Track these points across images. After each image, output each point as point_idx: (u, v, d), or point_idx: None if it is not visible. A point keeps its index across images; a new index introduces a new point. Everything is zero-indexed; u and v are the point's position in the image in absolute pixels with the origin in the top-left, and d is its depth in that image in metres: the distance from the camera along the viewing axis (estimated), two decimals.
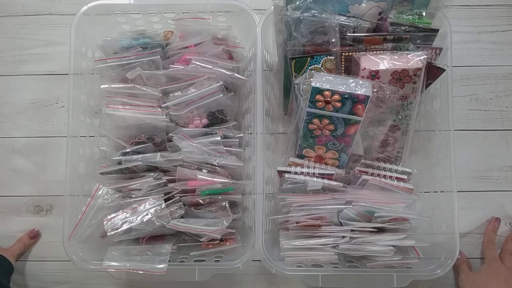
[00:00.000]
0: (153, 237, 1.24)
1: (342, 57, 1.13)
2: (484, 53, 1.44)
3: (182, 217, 1.21)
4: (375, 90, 1.07)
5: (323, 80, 1.06)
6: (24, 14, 1.49)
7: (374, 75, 1.08)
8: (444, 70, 1.12)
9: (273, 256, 1.13)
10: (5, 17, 1.49)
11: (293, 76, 1.15)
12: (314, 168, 1.17)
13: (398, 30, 1.11)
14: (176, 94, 1.25)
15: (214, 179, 1.19)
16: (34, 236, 1.37)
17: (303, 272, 1.14)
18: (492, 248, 1.30)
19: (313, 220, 1.17)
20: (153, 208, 1.18)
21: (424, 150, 1.27)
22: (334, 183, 1.16)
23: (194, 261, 1.19)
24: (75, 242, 1.17)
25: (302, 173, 1.16)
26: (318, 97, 1.06)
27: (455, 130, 1.15)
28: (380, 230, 1.16)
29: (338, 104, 1.06)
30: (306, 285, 1.33)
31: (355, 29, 1.12)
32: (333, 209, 1.15)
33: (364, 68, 1.07)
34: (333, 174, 1.17)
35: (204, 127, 1.26)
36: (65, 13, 1.48)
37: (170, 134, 1.24)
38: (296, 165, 1.19)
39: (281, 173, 1.18)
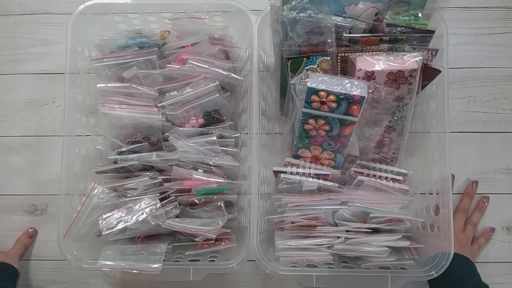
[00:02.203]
0: (148, 236, 1.24)
1: (338, 57, 1.13)
2: (481, 55, 1.44)
3: (177, 216, 1.21)
4: (370, 91, 1.06)
5: (319, 80, 1.06)
6: (22, 13, 1.49)
7: (369, 76, 1.08)
8: (440, 71, 1.12)
9: (268, 256, 1.13)
10: (2, 16, 1.49)
11: (289, 77, 1.15)
12: (309, 168, 1.17)
13: (394, 31, 1.11)
14: (172, 93, 1.25)
15: (209, 179, 1.19)
16: (32, 235, 1.37)
17: (297, 273, 1.14)
18: (461, 217, 1.31)
19: (308, 221, 1.17)
20: (149, 208, 1.18)
21: (420, 152, 1.27)
22: (330, 183, 1.16)
23: (189, 260, 1.19)
24: (70, 241, 1.17)
25: (297, 173, 1.16)
26: (314, 97, 1.06)
27: (452, 132, 1.15)
28: (375, 231, 1.16)
29: (334, 105, 1.06)
30: (301, 285, 1.32)
31: (351, 30, 1.12)
32: (328, 210, 1.15)
33: (360, 69, 1.07)
34: (329, 174, 1.16)
35: (200, 126, 1.26)
36: (62, 12, 1.48)
37: (166, 134, 1.24)
38: (292, 165, 1.19)
39: (276, 173, 1.18)
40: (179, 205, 1.23)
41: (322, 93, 1.04)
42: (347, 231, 1.16)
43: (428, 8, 1.12)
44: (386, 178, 1.16)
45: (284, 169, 1.17)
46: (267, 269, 1.12)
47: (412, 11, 1.12)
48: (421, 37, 1.11)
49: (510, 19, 1.45)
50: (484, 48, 1.45)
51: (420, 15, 1.12)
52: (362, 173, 1.17)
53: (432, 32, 1.12)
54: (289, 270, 1.13)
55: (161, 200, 1.21)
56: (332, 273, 1.14)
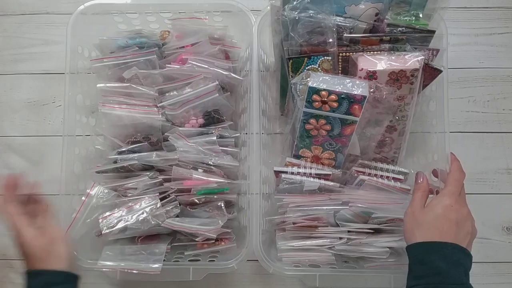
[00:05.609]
0: (148, 236, 1.24)
1: (339, 57, 1.12)
2: (481, 55, 1.44)
3: (177, 216, 1.21)
4: (372, 90, 1.06)
5: (320, 80, 1.06)
6: (22, 13, 1.49)
7: (371, 76, 1.07)
8: (441, 71, 1.12)
9: (270, 256, 1.13)
10: (2, 16, 1.49)
11: (290, 76, 1.15)
12: (311, 168, 1.17)
13: (394, 31, 1.11)
14: (172, 93, 1.25)
15: (209, 179, 1.19)
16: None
17: (301, 272, 1.14)
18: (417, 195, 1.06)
19: (310, 221, 1.17)
20: (149, 207, 1.18)
21: (420, 152, 1.27)
22: (331, 183, 1.16)
23: (189, 260, 1.19)
24: (70, 241, 1.17)
25: (298, 173, 1.16)
26: (315, 97, 1.06)
27: (452, 132, 1.15)
28: (376, 232, 1.17)
29: (335, 104, 1.06)
30: (301, 285, 1.32)
31: (352, 30, 1.12)
32: (330, 210, 1.15)
33: (362, 69, 1.07)
34: (330, 174, 1.16)
35: (200, 126, 1.26)
36: (62, 12, 1.48)
37: (166, 134, 1.24)
38: (293, 165, 1.18)
39: (277, 173, 1.18)
40: (179, 204, 1.22)
41: (323, 92, 1.04)
42: (348, 231, 1.16)
43: (429, 8, 1.12)
44: (387, 177, 1.16)
45: (285, 169, 1.17)
46: (270, 268, 1.12)
47: (413, 11, 1.11)
48: (421, 37, 1.11)
49: (510, 19, 1.46)
50: (484, 48, 1.45)
51: (420, 15, 1.12)
52: (363, 173, 1.17)
53: (433, 32, 1.11)
54: (293, 270, 1.14)
55: (161, 200, 1.21)
56: (335, 272, 1.14)
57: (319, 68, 1.13)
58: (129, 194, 1.22)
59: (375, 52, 1.09)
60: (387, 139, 1.22)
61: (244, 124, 1.25)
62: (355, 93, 1.04)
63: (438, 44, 1.15)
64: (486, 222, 1.36)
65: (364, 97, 1.04)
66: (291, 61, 1.14)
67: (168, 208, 1.20)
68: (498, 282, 1.35)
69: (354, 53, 1.10)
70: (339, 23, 1.11)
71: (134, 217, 1.17)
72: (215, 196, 1.22)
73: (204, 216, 1.22)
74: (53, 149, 1.41)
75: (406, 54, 1.07)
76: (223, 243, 1.23)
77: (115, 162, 1.22)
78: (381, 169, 1.17)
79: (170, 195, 1.22)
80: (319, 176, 1.16)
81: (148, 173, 1.22)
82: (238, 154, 1.28)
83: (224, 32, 1.30)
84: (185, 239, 1.24)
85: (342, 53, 1.12)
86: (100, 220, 1.17)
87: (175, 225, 1.17)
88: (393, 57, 1.07)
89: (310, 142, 1.17)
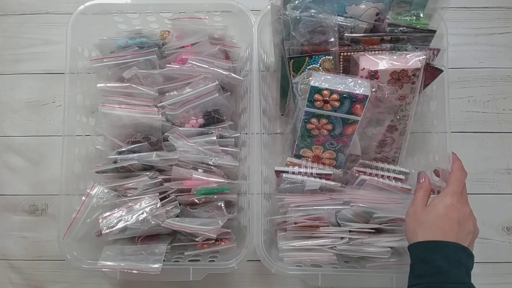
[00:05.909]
0: (149, 236, 1.24)
1: (341, 57, 1.12)
2: (481, 55, 1.44)
3: (177, 216, 1.21)
4: (373, 90, 1.06)
5: (322, 79, 1.06)
6: (22, 13, 1.49)
7: (373, 75, 1.07)
8: (442, 70, 1.12)
9: (271, 256, 1.13)
10: (2, 16, 1.49)
11: (291, 76, 1.15)
12: (312, 168, 1.17)
13: (395, 30, 1.11)
14: (172, 93, 1.25)
15: (209, 179, 1.19)
16: None
17: (303, 272, 1.14)
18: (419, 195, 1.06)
19: (311, 221, 1.17)
20: (149, 207, 1.18)
21: (420, 152, 1.27)
22: (332, 183, 1.16)
23: (189, 261, 1.19)
24: (70, 240, 1.17)
25: (300, 173, 1.16)
26: (317, 96, 1.06)
27: (452, 132, 1.14)
28: (378, 231, 1.16)
29: (337, 104, 1.06)
30: (301, 285, 1.32)
31: (353, 30, 1.12)
32: (331, 210, 1.15)
33: (363, 68, 1.07)
34: (331, 174, 1.16)
35: (200, 126, 1.26)
36: (62, 12, 1.48)
37: (166, 134, 1.24)
38: (294, 165, 1.18)
39: (278, 173, 1.18)
40: (179, 204, 1.22)
41: (325, 92, 1.04)
42: (350, 231, 1.16)
43: (430, 8, 1.12)
44: (388, 177, 1.16)
45: (286, 168, 1.17)
46: (273, 268, 1.12)
47: (413, 11, 1.11)
48: (422, 37, 1.11)
49: (510, 19, 1.46)
50: (484, 48, 1.45)
51: (421, 15, 1.12)
52: (364, 172, 1.17)
53: (433, 32, 1.11)
54: (295, 270, 1.14)
55: (161, 200, 1.20)
56: (338, 272, 1.14)
57: (320, 68, 1.13)
58: (129, 194, 1.21)
59: (377, 52, 1.09)
60: (388, 138, 1.22)
61: (244, 124, 1.25)
62: (357, 92, 1.04)
63: (438, 44, 1.15)
64: (486, 222, 1.36)
65: (366, 96, 1.04)
66: (292, 60, 1.13)
67: (168, 208, 1.20)
68: (498, 282, 1.35)
69: (356, 53, 1.10)
70: (340, 22, 1.11)
71: (134, 217, 1.17)
72: (215, 196, 1.22)
73: (204, 216, 1.21)
74: (53, 149, 1.41)
75: (407, 54, 1.07)
76: (223, 243, 1.22)
77: (115, 162, 1.21)
78: (382, 169, 1.18)
79: (170, 195, 1.21)
80: (320, 176, 1.16)
81: (148, 173, 1.22)
82: (238, 154, 1.28)
83: (224, 32, 1.30)
84: (185, 239, 1.24)
85: (343, 52, 1.12)
86: (100, 220, 1.17)
87: (175, 225, 1.17)
88: (394, 57, 1.07)
89: (311, 141, 1.17)
